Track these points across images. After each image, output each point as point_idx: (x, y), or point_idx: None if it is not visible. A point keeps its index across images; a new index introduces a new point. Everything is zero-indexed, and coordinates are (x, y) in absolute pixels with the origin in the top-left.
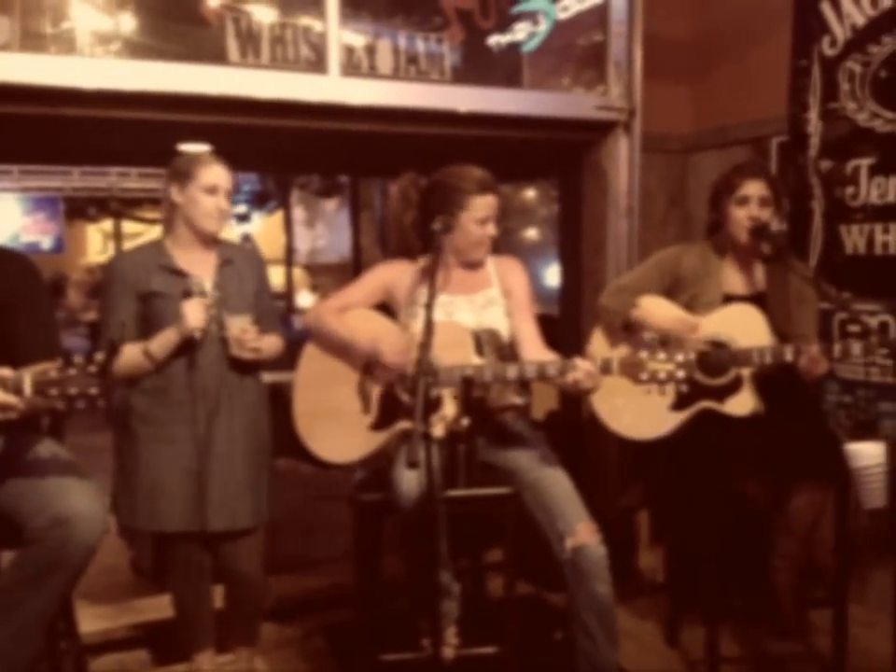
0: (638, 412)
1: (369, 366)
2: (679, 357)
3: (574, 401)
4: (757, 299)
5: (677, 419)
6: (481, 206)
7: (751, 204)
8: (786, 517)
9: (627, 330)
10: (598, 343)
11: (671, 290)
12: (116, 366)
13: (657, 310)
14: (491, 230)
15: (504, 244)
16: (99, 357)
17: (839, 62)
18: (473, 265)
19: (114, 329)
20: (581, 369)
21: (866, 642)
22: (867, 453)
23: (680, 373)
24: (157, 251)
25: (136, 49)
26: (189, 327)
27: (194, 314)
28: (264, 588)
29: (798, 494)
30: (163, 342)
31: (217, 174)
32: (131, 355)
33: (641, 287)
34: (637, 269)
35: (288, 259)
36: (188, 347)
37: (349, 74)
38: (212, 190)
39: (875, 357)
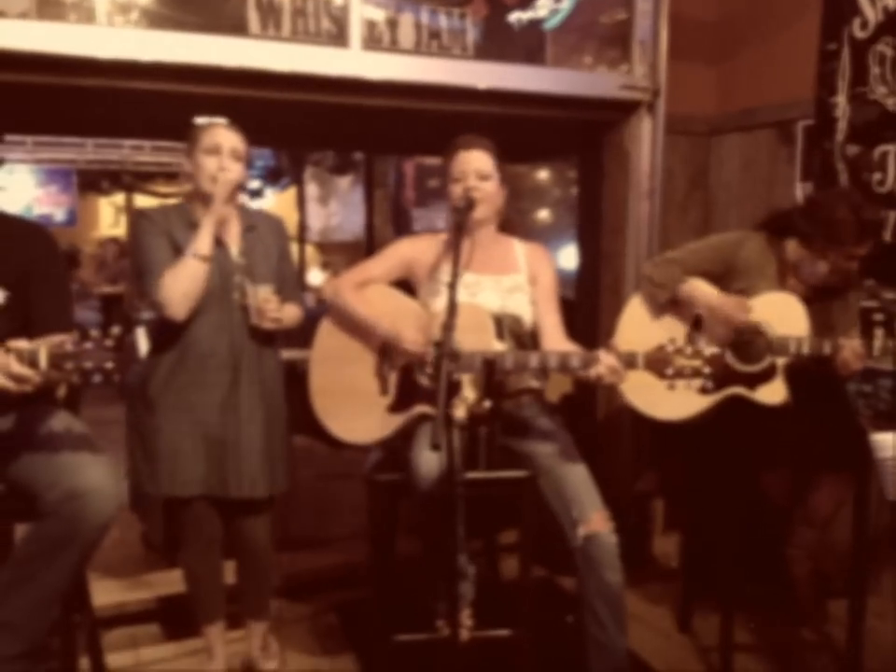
0: (666, 391)
1: (385, 349)
2: (707, 353)
3: (589, 385)
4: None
5: (704, 402)
6: (453, 166)
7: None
8: (806, 507)
9: (671, 308)
10: (631, 319)
11: (721, 278)
12: (172, 292)
13: (706, 287)
14: (470, 181)
15: (518, 224)
16: (115, 330)
17: (870, 44)
18: (498, 242)
19: (159, 264)
20: (605, 363)
21: (880, 633)
22: (893, 443)
23: (707, 369)
24: (182, 210)
25: (155, 19)
26: (217, 206)
27: (223, 188)
28: (274, 562)
29: (820, 487)
30: (201, 233)
31: (216, 133)
32: (177, 268)
33: (693, 265)
34: (688, 246)
35: (301, 236)
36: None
37: (370, 48)
38: (213, 151)
39: None
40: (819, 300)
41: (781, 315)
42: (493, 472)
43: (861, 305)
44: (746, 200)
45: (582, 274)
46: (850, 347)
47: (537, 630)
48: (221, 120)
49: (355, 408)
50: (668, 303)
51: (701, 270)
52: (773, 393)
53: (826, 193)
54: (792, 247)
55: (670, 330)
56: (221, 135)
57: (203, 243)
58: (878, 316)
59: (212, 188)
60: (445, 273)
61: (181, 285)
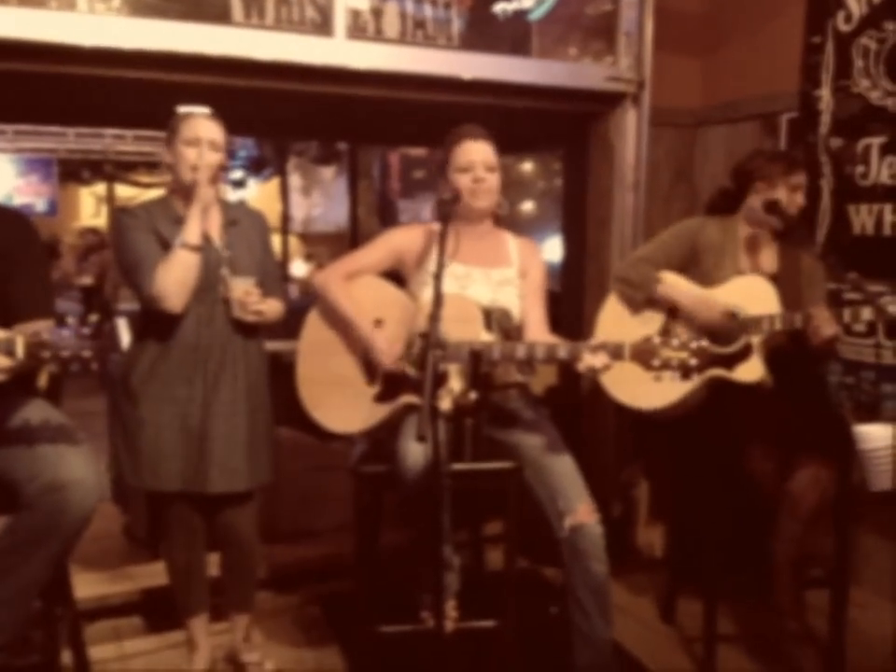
0: (645, 380)
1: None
2: (693, 345)
3: (574, 378)
4: (769, 280)
5: (685, 388)
6: (459, 154)
7: (799, 192)
8: (789, 496)
9: (646, 304)
10: (609, 318)
11: (688, 261)
12: (166, 284)
13: (681, 285)
14: (479, 173)
15: (502, 217)
16: (93, 318)
17: (854, 37)
18: (489, 233)
19: (149, 257)
20: (592, 362)
21: (861, 624)
22: (876, 434)
23: (693, 361)
24: (164, 205)
25: (137, 7)
26: (202, 194)
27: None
28: (258, 554)
29: (802, 472)
30: (189, 222)
31: (197, 124)
32: (169, 261)
33: (662, 259)
34: (653, 241)
35: (284, 227)
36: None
37: (355, 37)
38: (193, 142)
39: (881, 339)
40: (786, 276)
41: (752, 296)
42: (478, 464)
43: (828, 285)
44: None
45: (567, 267)
46: (820, 315)
47: (521, 621)
48: (202, 110)
49: (341, 398)
50: (640, 305)
51: (670, 261)
52: (751, 371)
53: (741, 158)
54: (743, 214)
55: (647, 324)
56: (201, 126)
57: (191, 232)
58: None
59: (192, 178)
60: (433, 264)
61: (175, 276)
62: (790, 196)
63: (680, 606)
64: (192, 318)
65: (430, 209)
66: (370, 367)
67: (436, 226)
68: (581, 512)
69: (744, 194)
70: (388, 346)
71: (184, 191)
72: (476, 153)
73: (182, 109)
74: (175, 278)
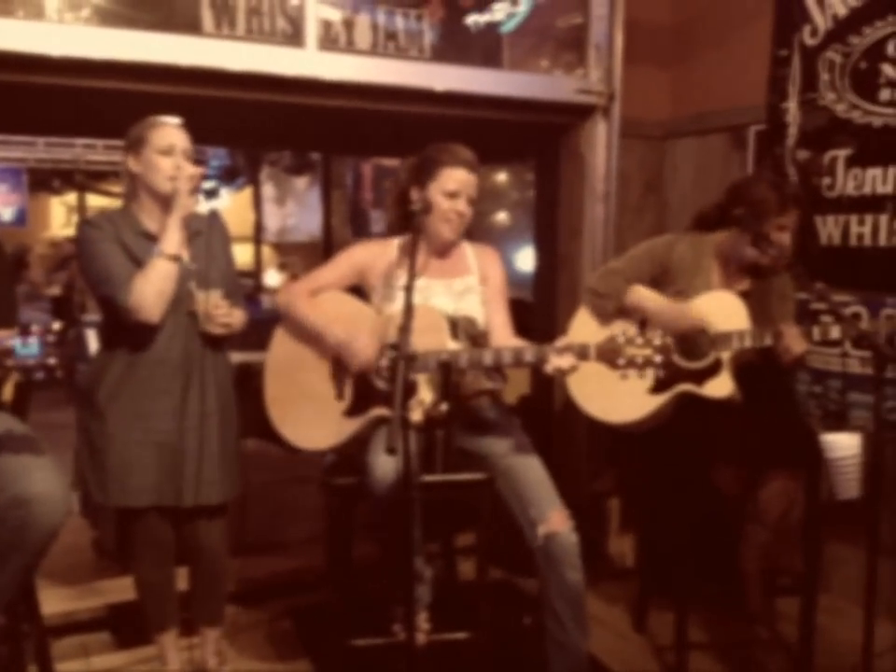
0: (616, 395)
1: (339, 358)
2: (657, 342)
3: (546, 386)
4: (741, 296)
5: (655, 402)
6: (450, 178)
7: (785, 233)
8: (756, 505)
9: (617, 316)
10: (580, 328)
11: (659, 280)
12: (144, 296)
13: (652, 295)
14: (461, 206)
15: (474, 227)
16: (56, 325)
17: (820, 51)
18: (446, 248)
19: (119, 268)
20: (558, 364)
21: (830, 630)
22: (843, 444)
23: (658, 358)
24: (127, 216)
25: (107, 17)
26: (183, 200)
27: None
28: (227, 567)
29: (770, 482)
30: (169, 231)
31: (169, 133)
32: (147, 272)
33: (632, 273)
34: (626, 255)
35: (257, 236)
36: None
37: (326, 48)
38: (167, 151)
39: (848, 348)
40: (757, 292)
41: (722, 312)
42: (450, 475)
43: (797, 297)
44: (700, 203)
45: (539, 277)
46: (790, 333)
47: (495, 632)
48: (173, 119)
49: (311, 415)
50: (614, 314)
51: (641, 276)
52: (719, 387)
53: (744, 178)
54: (723, 237)
55: None
56: (174, 135)
57: (170, 242)
58: (826, 318)
59: (170, 188)
60: (400, 278)
61: (154, 287)
62: (776, 234)
63: (652, 614)
64: (159, 333)
65: (387, 221)
66: (338, 380)
67: (396, 240)
68: (555, 520)
69: (730, 214)
70: (363, 345)
71: (160, 201)
72: (466, 185)
73: (151, 119)
74: (154, 289)
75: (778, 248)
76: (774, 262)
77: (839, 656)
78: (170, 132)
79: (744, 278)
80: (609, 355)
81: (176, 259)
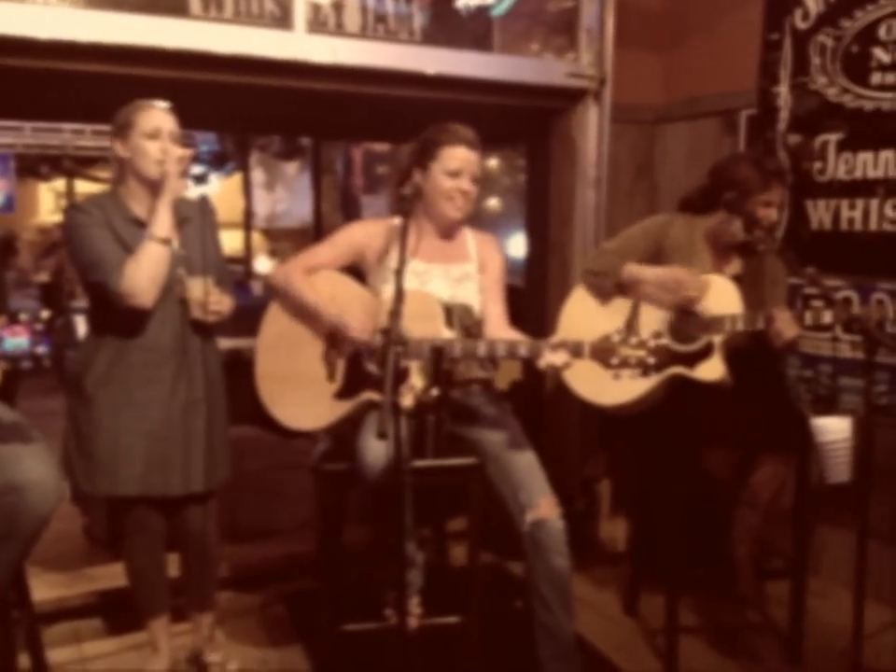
0: (607, 376)
1: (333, 336)
2: (651, 344)
3: (537, 372)
4: (734, 280)
5: (646, 385)
6: (451, 157)
7: (772, 208)
8: (748, 489)
9: (611, 297)
10: (574, 310)
11: (653, 259)
12: (137, 281)
13: (647, 267)
14: (465, 184)
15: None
16: (45, 314)
17: (811, 35)
18: (450, 231)
19: (110, 253)
20: (553, 360)
21: (820, 613)
22: (834, 428)
23: (651, 360)
24: (115, 201)
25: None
26: (172, 184)
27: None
28: (219, 553)
29: (761, 466)
30: (159, 215)
31: (156, 116)
32: (139, 256)
33: (626, 252)
34: (620, 235)
35: (247, 222)
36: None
37: (315, 31)
38: (154, 135)
39: (838, 332)
40: (749, 276)
41: (715, 295)
42: (440, 460)
43: (789, 282)
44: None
45: (531, 263)
46: (782, 318)
47: (486, 616)
48: (160, 103)
49: (301, 394)
50: (610, 294)
51: (635, 255)
52: (711, 370)
53: (724, 158)
54: (713, 221)
55: (612, 318)
56: (161, 118)
57: (161, 225)
58: (817, 303)
59: (158, 172)
60: (394, 260)
61: (146, 271)
62: (763, 211)
63: (643, 598)
64: (150, 319)
65: (388, 203)
66: (331, 362)
67: (396, 221)
68: (543, 507)
69: (718, 196)
70: (360, 324)
71: (148, 185)
72: (469, 163)
73: (136, 102)
74: (146, 274)
75: (766, 226)
76: (762, 242)
77: (829, 639)
78: (156, 115)
79: (734, 259)
80: (604, 354)
81: (167, 241)
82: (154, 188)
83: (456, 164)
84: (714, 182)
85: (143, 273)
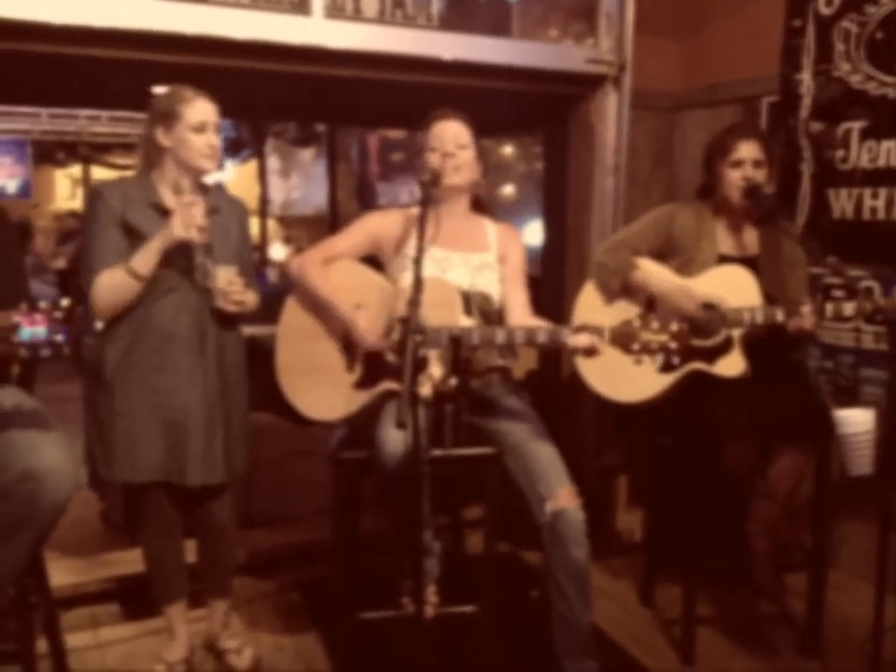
0: (626, 373)
1: (347, 330)
2: (673, 328)
3: (553, 361)
4: (749, 261)
5: (665, 381)
6: (431, 135)
7: (745, 166)
8: (766, 481)
9: (624, 291)
10: (585, 306)
11: (664, 249)
12: (99, 294)
13: (658, 273)
14: (450, 148)
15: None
16: (65, 302)
17: (834, 21)
18: (467, 219)
19: (100, 256)
20: (572, 339)
21: (838, 606)
22: (856, 419)
23: (673, 344)
24: (144, 186)
25: None
26: (175, 234)
27: (185, 217)
28: (236, 540)
29: (780, 457)
30: (146, 252)
31: (203, 110)
32: (112, 276)
33: (638, 245)
34: (632, 225)
35: (262, 209)
36: (181, 267)
37: (333, 16)
38: (201, 128)
39: (860, 323)
40: (767, 258)
41: (733, 287)
42: (458, 450)
43: (809, 271)
44: None
45: (548, 250)
46: (802, 311)
47: (501, 605)
48: (203, 94)
49: (321, 385)
50: (618, 291)
51: (648, 246)
52: (731, 365)
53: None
54: (719, 199)
55: (625, 312)
56: (207, 111)
57: (144, 263)
58: (839, 293)
59: (205, 165)
60: (412, 248)
61: (111, 297)
62: (734, 172)
63: (659, 589)
64: (169, 307)
65: (409, 193)
66: (349, 352)
67: (414, 210)
68: (562, 497)
69: (717, 178)
70: (370, 325)
71: (191, 173)
72: (444, 131)
73: (158, 90)
74: (108, 296)
75: (746, 186)
76: (754, 196)
77: (847, 631)
78: (203, 108)
79: (749, 231)
80: (624, 339)
81: (143, 279)
82: (196, 175)
83: (435, 138)
84: (705, 156)
85: (108, 296)
